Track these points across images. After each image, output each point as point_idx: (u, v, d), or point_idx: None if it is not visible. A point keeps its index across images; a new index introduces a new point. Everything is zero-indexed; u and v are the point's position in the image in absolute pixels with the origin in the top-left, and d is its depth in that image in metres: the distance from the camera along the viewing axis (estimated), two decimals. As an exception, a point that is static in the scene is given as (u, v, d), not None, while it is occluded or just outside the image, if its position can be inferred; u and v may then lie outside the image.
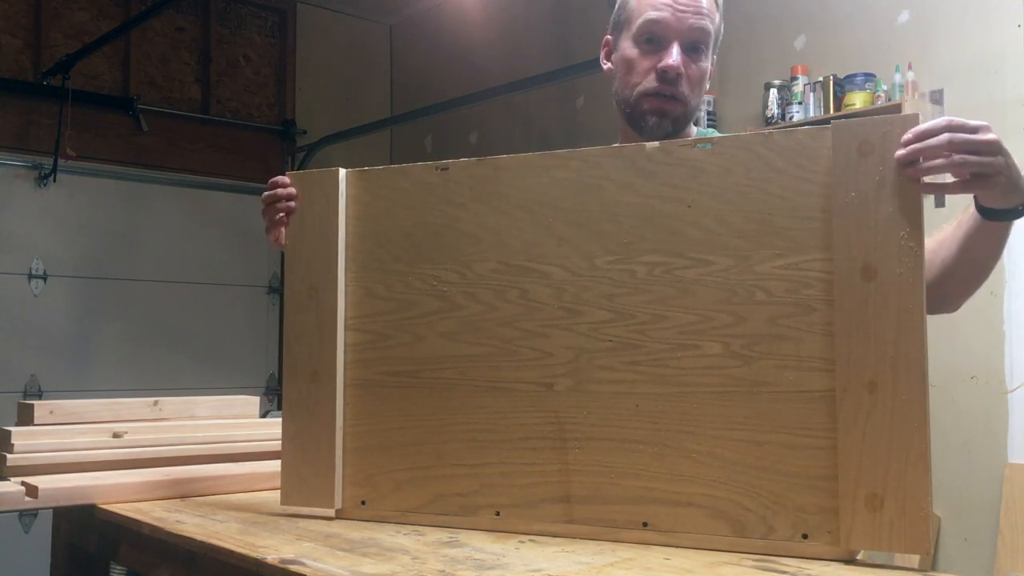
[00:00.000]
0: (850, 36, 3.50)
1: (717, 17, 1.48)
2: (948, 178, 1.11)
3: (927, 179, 1.06)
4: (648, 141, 1.24)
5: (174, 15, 4.93)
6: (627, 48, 1.49)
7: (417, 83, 5.51)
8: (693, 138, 1.42)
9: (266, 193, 1.40)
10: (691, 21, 1.44)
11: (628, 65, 1.48)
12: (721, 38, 1.52)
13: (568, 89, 4.49)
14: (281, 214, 1.38)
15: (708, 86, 1.52)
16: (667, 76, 1.44)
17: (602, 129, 4.39)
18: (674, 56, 1.43)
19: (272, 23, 5.34)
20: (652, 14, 1.44)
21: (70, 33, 4.62)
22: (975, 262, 1.27)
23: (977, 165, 1.07)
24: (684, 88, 1.45)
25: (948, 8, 3.24)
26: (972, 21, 3.17)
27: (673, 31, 1.44)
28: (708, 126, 3.41)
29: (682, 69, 1.44)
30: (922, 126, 1.06)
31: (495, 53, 4.94)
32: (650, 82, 1.45)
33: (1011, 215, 1.17)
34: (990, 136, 1.07)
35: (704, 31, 1.45)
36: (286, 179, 1.39)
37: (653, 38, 1.45)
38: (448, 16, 5.23)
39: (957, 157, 1.06)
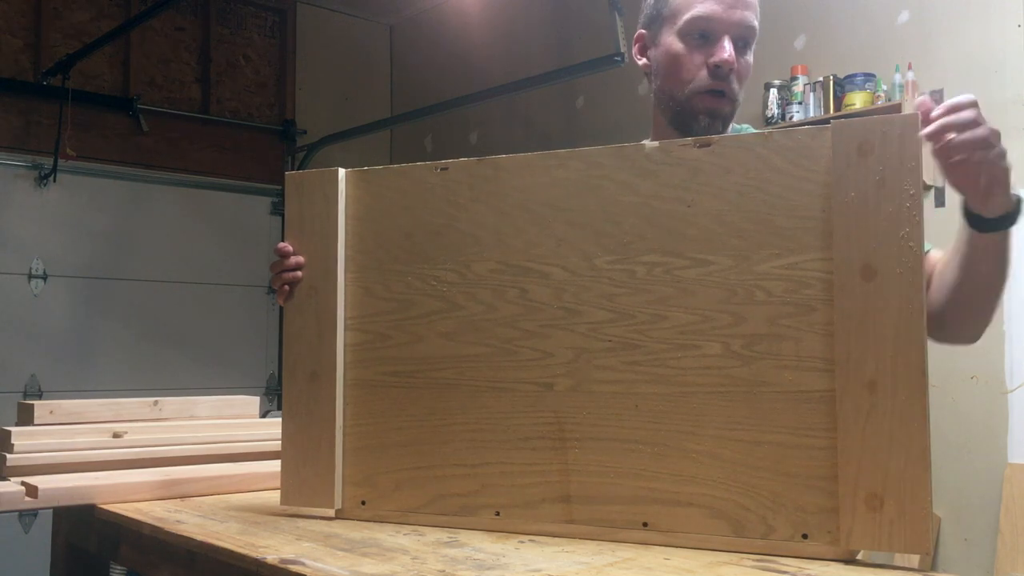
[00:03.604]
0: (850, 36, 3.50)
1: (759, 12, 1.44)
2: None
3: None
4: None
5: (174, 15, 4.92)
6: (673, 43, 1.43)
7: (417, 83, 5.51)
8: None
9: (274, 261, 1.38)
10: (740, 16, 1.40)
11: (676, 61, 1.43)
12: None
13: (568, 89, 4.49)
14: (286, 284, 1.37)
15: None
16: (720, 71, 1.39)
17: (602, 129, 4.42)
18: (727, 51, 1.39)
19: (272, 23, 5.34)
20: (702, 9, 1.40)
21: (70, 33, 4.62)
22: (974, 281, 1.21)
23: (968, 149, 1.07)
24: (734, 84, 1.41)
25: (948, 8, 3.24)
26: (972, 21, 3.17)
27: (723, 25, 1.40)
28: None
29: (735, 63, 1.40)
30: (952, 100, 1.06)
31: (495, 53, 4.94)
32: (702, 79, 1.41)
33: (998, 224, 1.14)
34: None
35: (751, 28, 1.42)
36: (289, 247, 1.37)
37: (704, 33, 1.40)
38: (448, 16, 5.23)
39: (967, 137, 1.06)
